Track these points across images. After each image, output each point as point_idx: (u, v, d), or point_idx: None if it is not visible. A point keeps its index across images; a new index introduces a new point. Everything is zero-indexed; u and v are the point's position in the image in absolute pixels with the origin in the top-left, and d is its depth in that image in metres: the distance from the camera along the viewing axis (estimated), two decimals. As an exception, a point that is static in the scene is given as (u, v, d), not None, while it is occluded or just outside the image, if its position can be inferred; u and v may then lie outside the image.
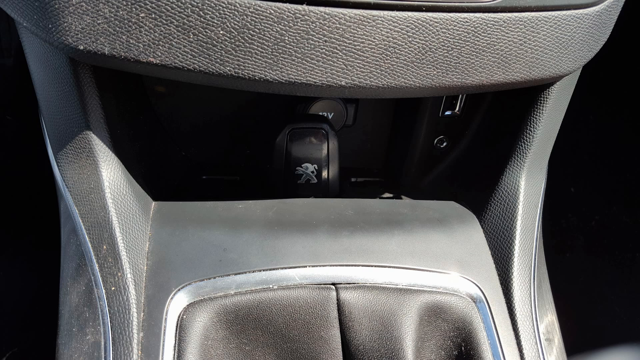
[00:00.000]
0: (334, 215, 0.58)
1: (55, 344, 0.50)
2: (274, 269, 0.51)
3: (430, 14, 0.44)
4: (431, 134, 0.73)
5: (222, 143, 0.80)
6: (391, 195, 0.75)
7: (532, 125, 0.58)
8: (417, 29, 0.44)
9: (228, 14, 0.41)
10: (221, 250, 0.52)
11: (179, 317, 0.48)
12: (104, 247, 0.50)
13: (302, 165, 0.66)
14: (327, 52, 0.44)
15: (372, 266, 0.53)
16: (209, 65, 0.43)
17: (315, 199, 0.63)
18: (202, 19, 0.41)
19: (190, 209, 0.57)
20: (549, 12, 0.46)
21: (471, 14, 0.45)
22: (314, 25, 0.42)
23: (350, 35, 0.43)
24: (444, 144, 0.74)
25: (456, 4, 0.44)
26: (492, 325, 0.53)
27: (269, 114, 0.78)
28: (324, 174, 0.67)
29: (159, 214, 0.56)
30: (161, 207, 0.57)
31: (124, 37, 0.41)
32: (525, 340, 0.53)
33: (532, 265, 0.57)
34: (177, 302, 0.49)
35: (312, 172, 0.67)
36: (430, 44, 0.45)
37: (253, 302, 0.50)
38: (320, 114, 0.76)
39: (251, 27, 0.42)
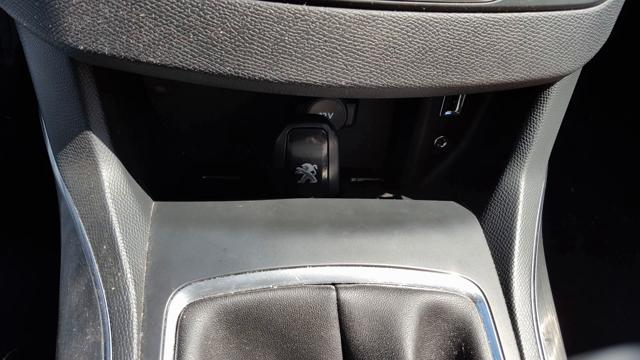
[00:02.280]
0: (334, 215, 0.58)
1: (55, 344, 0.50)
2: (273, 269, 0.51)
3: (430, 14, 0.44)
4: (431, 134, 0.73)
5: (222, 143, 0.80)
6: (391, 195, 0.76)
7: (532, 125, 0.58)
8: (417, 29, 0.44)
9: (228, 14, 0.41)
10: (221, 250, 0.52)
11: (179, 317, 0.49)
12: (104, 247, 0.50)
13: (302, 165, 0.66)
14: (327, 52, 0.44)
15: (372, 266, 0.53)
16: (209, 65, 0.43)
17: (315, 199, 0.63)
18: (202, 19, 0.41)
19: (190, 209, 0.57)
20: (549, 12, 0.46)
21: (471, 14, 0.45)
22: (314, 25, 0.42)
23: (350, 35, 0.43)
24: (444, 144, 0.74)
25: (456, 4, 0.44)
26: (492, 325, 0.53)
27: (269, 114, 0.78)
28: (324, 174, 0.67)
29: (159, 214, 0.56)
30: (161, 207, 0.57)
31: (124, 37, 0.41)
32: (525, 340, 0.53)
33: (532, 265, 0.57)
34: (177, 302, 0.49)
35: (312, 172, 0.67)
36: (430, 44, 0.45)
37: (253, 302, 0.50)
38: (320, 114, 0.76)
39: (251, 27, 0.42)
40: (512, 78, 0.49)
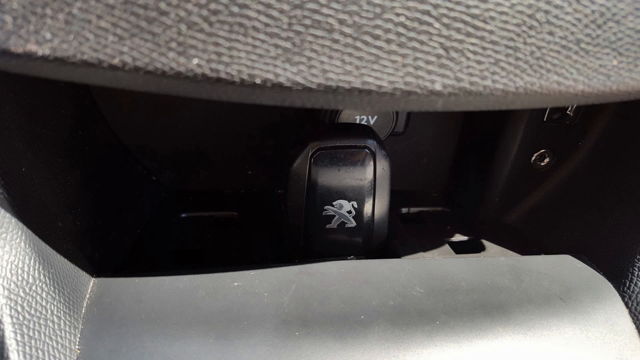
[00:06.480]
0: (393, 298, 0.36)
1: None
2: None
3: None
4: (528, 146, 0.52)
5: (212, 160, 0.58)
6: (465, 237, 0.53)
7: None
8: None
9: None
10: None
11: None
12: None
13: (334, 203, 0.45)
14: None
15: None
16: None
17: (357, 262, 0.41)
18: None
19: (150, 300, 0.35)
20: None
21: None
22: None
23: None
24: (546, 160, 0.52)
25: None
26: None
27: (282, 118, 0.57)
28: (367, 213, 0.45)
29: (96, 307, 0.34)
30: (103, 291, 0.35)
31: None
32: None
33: None
34: None
35: (349, 211, 0.45)
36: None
37: None
38: (357, 118, 0.53)
39: None
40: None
